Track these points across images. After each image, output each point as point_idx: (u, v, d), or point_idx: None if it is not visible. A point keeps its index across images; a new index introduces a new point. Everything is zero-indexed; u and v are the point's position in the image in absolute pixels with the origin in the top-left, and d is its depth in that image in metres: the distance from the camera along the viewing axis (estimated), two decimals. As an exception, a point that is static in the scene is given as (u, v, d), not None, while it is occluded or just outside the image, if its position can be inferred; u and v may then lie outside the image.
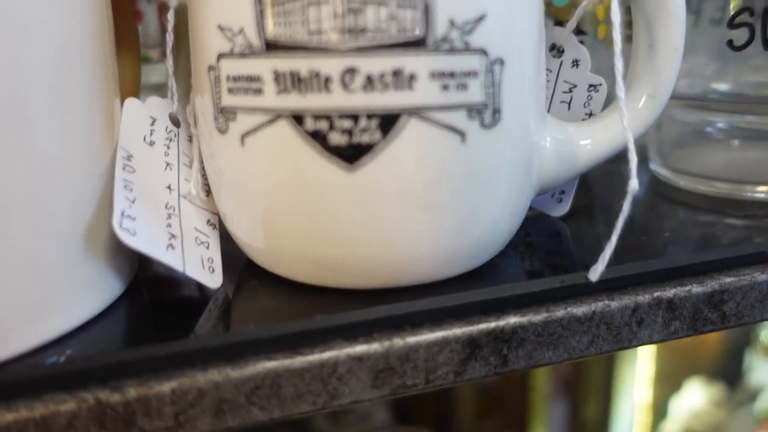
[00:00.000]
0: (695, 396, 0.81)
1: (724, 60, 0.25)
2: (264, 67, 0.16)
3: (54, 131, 0.16)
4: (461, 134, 0.16)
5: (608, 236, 0.18)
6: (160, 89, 0.31)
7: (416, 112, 0.16)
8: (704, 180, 0.25)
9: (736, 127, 0.25)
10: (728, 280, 0.20)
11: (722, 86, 0.26)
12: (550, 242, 0.22)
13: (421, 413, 0.88)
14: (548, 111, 0.22)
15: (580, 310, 0.19)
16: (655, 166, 0.27)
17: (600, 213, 0.25)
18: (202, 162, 0.20)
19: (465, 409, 0.92)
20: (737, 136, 0.26)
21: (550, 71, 0.22)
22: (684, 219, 0.24)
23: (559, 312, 0.18)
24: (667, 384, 0.88)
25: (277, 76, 0.16)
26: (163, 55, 0.31)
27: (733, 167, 0.25)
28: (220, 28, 0.16)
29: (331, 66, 0.15)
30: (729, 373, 0.89)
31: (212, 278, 0.19)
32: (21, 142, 0.15)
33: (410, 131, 0.16)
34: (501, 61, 0.16)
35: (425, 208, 0.17)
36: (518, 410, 0.95)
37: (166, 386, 0.16)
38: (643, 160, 0.29)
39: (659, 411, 0.85)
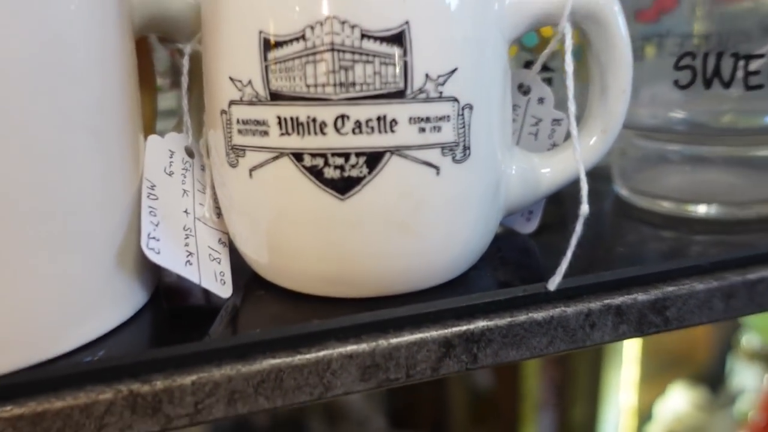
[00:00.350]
0: (678, 399, 0.84)
1: (680, 93, 0.28)
2: (269, 113, 0.19)
3: (94, 167, 0.19)
4: (436, 168, 0.20)
5: (567, 251, 0.21)
6: (170, 115, 0.34)
7: (397, 150, 0.19)
8: (660, 200, 0.29)
9: (691, 154, 0.29)
10: (670, 288, 0.23)
11: (679, 116, 0.29)
12: (518, 256, 0.25)
13: (416, 419, 0.91)
14: (518, 142, 0.25)
15: (539, 315, 0.22)
16: (618, 188, 0.31)
17: (567, 230, 0.28)
18: (213, 188, 0.23)
19: (459, 415, 0.95)
20: (691, 162, 0.29)
21: (519, 107, 0.25)
22: (639, 235, 0.27)
23: (522, 317, 0.22)
24: (652, 388, 0.91)
25: (280, 121, 0.19)
26: (173, 84, 0.34)
27: (686, 189, 0.29)
28: (231, 79, 0.19)
29: (326, 113, 0.18)
30: (712, 378, 0.92)
31: (223, 289, 0.22)
32: (66, 176, 0.18)
33: (392, 167, 0.19)
34: (470, 107, 0.20)
35: (406, 231, 0.20)
36: (510, 416, 0.98)
37: (187, 379, 0.19)
38: (608, 181, 0.32)
39: (644, 414, 0.88)
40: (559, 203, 0.30)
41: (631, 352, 0.88)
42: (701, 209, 0.27)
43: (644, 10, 0.30)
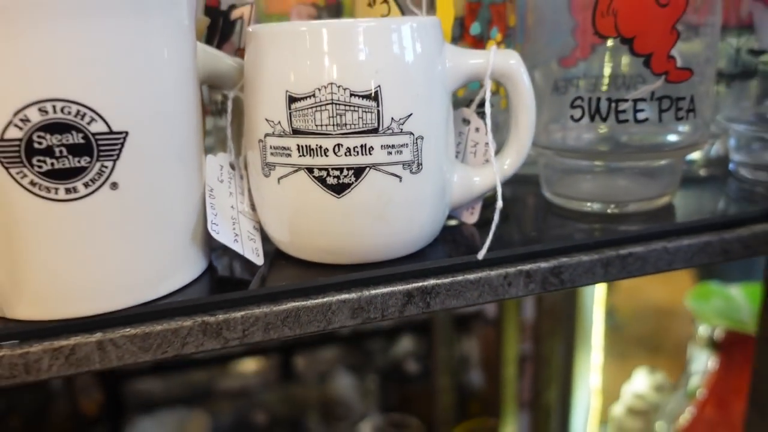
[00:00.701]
0: (640, 382, 0.94)
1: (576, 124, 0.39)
2: (291, 142, 0.29)
3: (186, 176, 0.29)
4: (399, 177, 0.30)
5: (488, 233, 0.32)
6: (210, 135, 0.44)
7: (374, 166, 0.29)
8: (570, 200, 0.39)
9: (591, 167, 0.39)
10: (564, 259, 0.34)
11: (588, 137, 0.39)
12: (462, 238, 0.36)
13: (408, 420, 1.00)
14: (462, 159, 0.36)
15: (472, 276, 0.32)
16: (544, 191, 0.41)
17: (502, 221, 0.39)
18: (249, 191, 0.34)
19: (446, 402, 1.05)
20: (591, 173, 0.39)
21: (462, 133, 0.36)
22: (550, 223, 0.38)
23: (459, 277, 0.32)
24: (620, 373, 1.02)
25: (299, 147, 0.29)
26: (212, 113, 0.44)
27: (587, 191, 0.39)
28: (267, 120, 0.30)
29: (328, 143, 0.29)
30: (672, 363, 1.03)
31: (258, 259, 0.32)
32: (175, 183, 0.28)
33: (371, 177, 0.29)
34: (421, 137, 0.30)
35: (380, 219, 0.31)
36: (493, 399, 1.08)
37: (238, 314, 0.29)
38: (538, 186, 0.43)
39: (611, 395, 0.98)
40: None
41: (599, 340, 0.99)
42: (595, 206, 0.37)
43: (566, 57, 0.41)
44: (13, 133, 0.24)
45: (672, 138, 0.37)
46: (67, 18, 0.24)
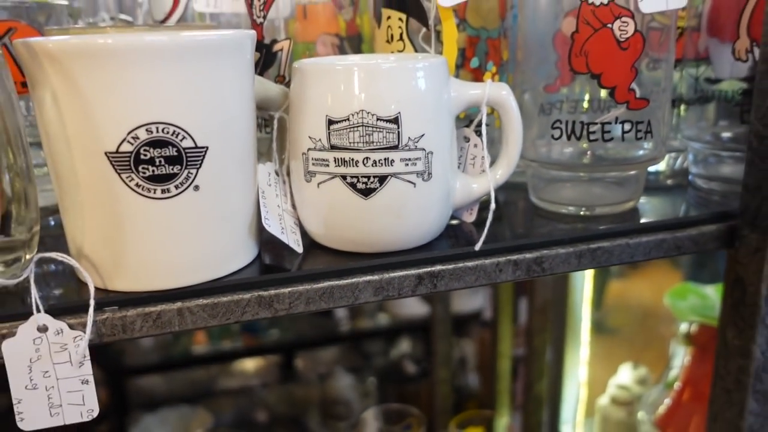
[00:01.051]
0: (625, 375, 1.02)
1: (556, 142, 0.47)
2: (329, 155, 0.37)
3: (244, 178, 0.37)
4: (414, 184, 0.38)
5: (484, 230, 0.40)
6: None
7: (394, 175, 0.37)
8: (553, 204, 0.47)
9: (570, 177, 0.47)
10: (545, 251, 0.42)
11: (568, 151, 0.47)
12: (462, 233, 0.44)
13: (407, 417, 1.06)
14: (463, 169, 0.44)
15: (470, 263, 0.40)
16: (531, 197, 0.49)
17: (496, 220, 0.47)
18: (291, 194, 0.42)
19: (444, 396, 1.12)
20: (571, 181, 0.47)
21: (463, 148, 0.44)
22: (535, 224, 0.46)
23: (460, 264, 0.40)
24: (607, 367, 1.09)
25: (335, 159, 0.37)
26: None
27: (567, 197, 0.47)
28: (310, 137, 0.38)
29: (358, 156, 0.37)
30: (656, 359, 1.10)
31: (299, 248, 0.40)
32: (242, 185, 0.36)
33: (391, 183, 0.37)
34: (432, 152, 0.38)
35: (398, 217, 0.38)
36: (488, 395, 1.15)
37: (285, 290, 0.37)
38: (527, 192, 0.51)
39: (599, 389, 1.06)
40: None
41: (587, 337, 1.07)
42: (572, 209, 0.45)
43: (550, 84, 0.49)
44: (126, 147, 0.32)
45: (636, 153, 0.45)
46: (167, 61, 0.32)
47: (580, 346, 1.05)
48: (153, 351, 1.71)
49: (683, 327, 0.96)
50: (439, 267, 0.40)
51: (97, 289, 0.35)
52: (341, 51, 0.56)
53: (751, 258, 0.43)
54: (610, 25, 0.41)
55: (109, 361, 1.63)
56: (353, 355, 2.10)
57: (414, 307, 1.81)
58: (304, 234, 0.42)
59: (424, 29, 0.44)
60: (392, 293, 0.39)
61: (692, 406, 0.84)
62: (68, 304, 0.35)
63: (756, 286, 0.43)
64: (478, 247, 0.40)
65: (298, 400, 1.99)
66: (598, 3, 0.40)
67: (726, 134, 0.52)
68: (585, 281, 1.03)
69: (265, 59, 0.47)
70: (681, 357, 0.95)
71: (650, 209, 0.48)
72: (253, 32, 0.37)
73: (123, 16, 0.62)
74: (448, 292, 1.09)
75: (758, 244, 0.43)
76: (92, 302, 0.34)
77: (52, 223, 0.47)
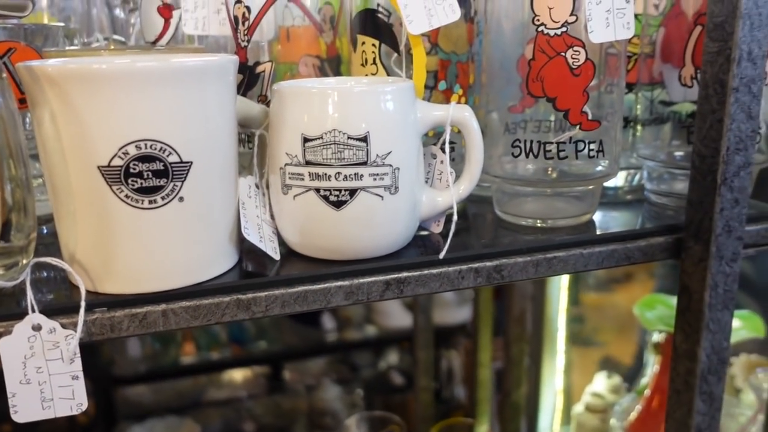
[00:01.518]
0: (599, 384, 1.05)
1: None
2: (304, 170, 0.41)
3: (225, 190, 0.41)
4: (381, 197, 0.41)
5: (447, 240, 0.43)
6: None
7: (363, 188, 0.41)
8: (515, 217, 0.51)
9: (532, 192, 0.51)
10: (504, 260, 0.45)
11: (532, 168, 0.51)
12: (429, 243, 0.47)
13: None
14: (431, 183, 0.47)
15: (435, 270, 0.44)
16: (496, 209, 0.53)
17: (463, 231, 0.50)
18: (270, 205, 0.45)
19: (426, 403, 1.15)
20: (533, 196, 0.51)
21: (431, 165, 0.47)
22: (497, 234, 0.49)
23: (425, 271, 0.43)
24: (582, 376, 1.13)
25: (310, 174, 0.41)
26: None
27: (528, 210, 0.51)
28: (287, 153, 0.41)
29: (330, 171, 0.40)
30: (628, 368, 1.14)
31: (276, 255, 0.43)
32: (222, 195, 0.40)
33: (361, 196, 0.41)
34: (398, 168, 0.42)
35: (368, 228, 0.42)
36: (470, 402, 1.18)
37: (262, 294, 0.41)
38: (491, 206, 0.54)
39: (574, 396, 1.09)
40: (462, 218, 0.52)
41: (563, 346, 1.10)
42: (530, 221, 0.49)
43: (514, 105, 0.53)
44: (117, 162, 0.36)
45: (594, 170, 0.49)
46: (156, 85, 0.35)
47: (556, 355, 1.09)
48: (142, 361, 1.73)
49: (654, 337, 0.99)
50: (405, 274, 0.43)
51: (88, 291, 0.38)
52: (322, 72, 0.60)
53: (695, 267, 0.47)
54: (563, 54, 0.44)
55: (97, 372, 1.65)
56: (340, 366, 2.12)
57: (401, 319, 1.84)
58: (282, 243, 0.45)
59: (395, 54, 0.48)
60: (362, 297, 0.43)
61: (660, 413, 0.87)
62: (61, 305, 0.38)
63: (700, 294, 0.47)
64: (441, 255, 0.44)
65: (285, 412, 2.01)
66: (552, 33, 0.44)
67: (679, 153, 0.55)
68: (561, 292, 1.06)
69: (248, 80, 0.51)
70: (652, 366, 0.98)
71: (606, 222, 0.52)
72: (235, 57, 0.41)
73: (116, 37, 0.66)
74: (430, 305, 1.12)
75: (702, 255, 0.46)
76: (83, 303, 0.37)
77: (45, 231, 0.50)
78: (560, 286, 1.06)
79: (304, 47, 0.60)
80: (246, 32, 0.49)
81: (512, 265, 0.45)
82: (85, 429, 1.65)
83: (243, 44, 0.49)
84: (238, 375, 2.14)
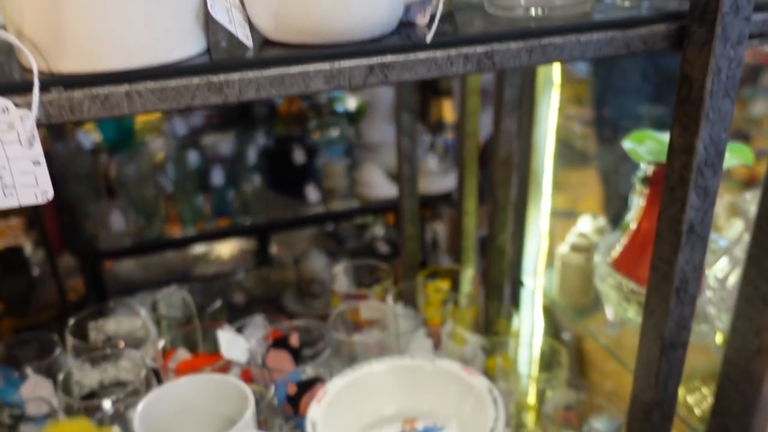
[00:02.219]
0: (584, 225, 1.05)
1: None
2: None
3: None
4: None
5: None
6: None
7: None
8: (512, 10, 0.47)
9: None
10: (496, 45, 0.42)
11: None
12: (415, 34, 0.43)
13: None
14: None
15: (422, 55, 0.40)
16: (486, 7, 0.48)
17: (450, 24, 0.46)
18: (239, -13, 0.41)
19: (413, 253, 1.15)
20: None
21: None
22: (486, 22, 0.45)
23: (411, 56, 0.40)
24: (567, 219, 1.13)
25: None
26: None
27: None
28: None
29: None
30: (613, 211, 1.14)
31: (248, 42, 0.40)
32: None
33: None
34: None
35: (347, 4, 0.38)
36: (455, 248, 1.19)
37: (235, 76, 0.37)
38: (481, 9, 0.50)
39: (559, 239, 1.10)
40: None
41: (549, 189, 1.09)
42: (524, 12, 0.45)
43: None
44: None
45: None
46: None
47: (541, 197, 1.08)
48: (127, 235, 1.73)
49: (641, 169, 0.98)
50: (390, 57, 0.40)
51: (41, 72, 0.34)
52: None
53: (698, 54, 0.44)
54: None
55: (83, 246, 1.65)
56: (327, 239, 2.15)
57: (386, 190, 1.85)
58: (255, 32, 0.41)
59: None
60: (343, 82, 0.40)
61: (645, 244, 0.88)
62: (12, 83, 0.34)
63: (701, 81, 0.44)
64: (428, 38, 0.40)
65: (274, 282, 2.06)
66: None
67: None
68: (547, 138, 1.04)
69: None
70: (637, 204, 0.98)
71: (606, 12, 0.48)
72: None
73: None
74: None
75: (706, 38, 0.43)
76: (36, 80, 0.34)
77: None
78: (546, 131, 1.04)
79: None
80: None
81: (504, 51, 0.42)
82: (77, 306, 1.67)
83: None
84: (225, 249, 2.16)
